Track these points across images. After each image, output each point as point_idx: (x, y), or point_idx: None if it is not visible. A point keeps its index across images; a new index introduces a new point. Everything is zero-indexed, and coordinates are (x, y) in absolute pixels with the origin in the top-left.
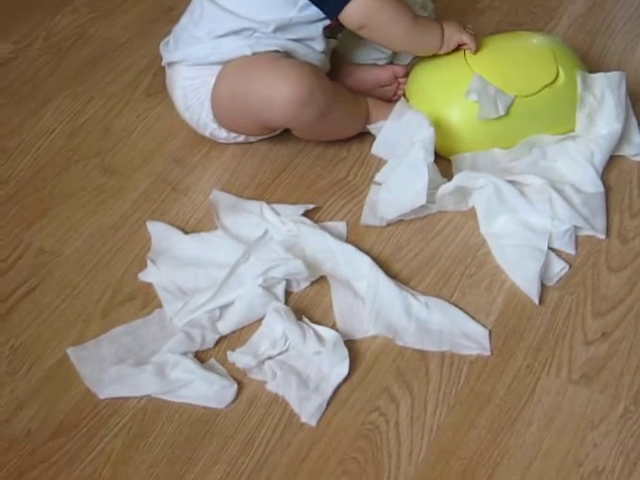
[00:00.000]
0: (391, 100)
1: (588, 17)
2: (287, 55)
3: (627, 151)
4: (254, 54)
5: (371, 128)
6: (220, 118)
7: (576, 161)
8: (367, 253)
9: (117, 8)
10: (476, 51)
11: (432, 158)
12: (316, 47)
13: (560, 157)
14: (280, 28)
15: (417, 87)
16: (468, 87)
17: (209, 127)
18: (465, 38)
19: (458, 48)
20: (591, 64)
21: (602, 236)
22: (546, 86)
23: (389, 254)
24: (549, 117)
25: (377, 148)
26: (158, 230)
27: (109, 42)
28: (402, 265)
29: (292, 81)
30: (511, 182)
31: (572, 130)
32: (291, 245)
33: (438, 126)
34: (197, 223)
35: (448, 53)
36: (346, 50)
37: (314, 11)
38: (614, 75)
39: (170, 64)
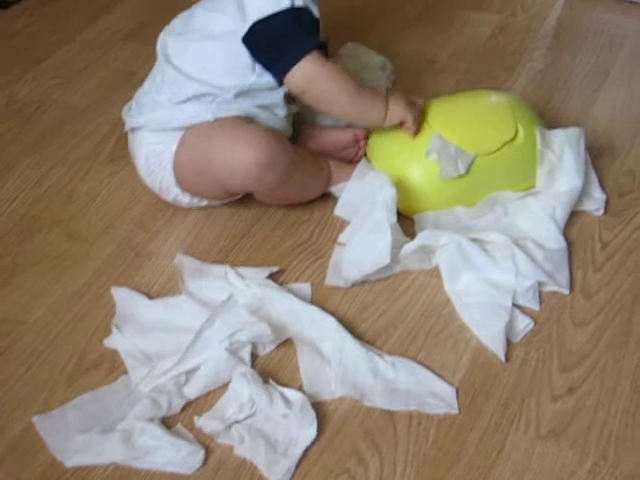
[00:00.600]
0: (353, 161)
1: (546, 74)
2: (249, 120)
3: (588, 206)
4: (216, 119)
5: (333, 190)
6: (183, 183)
7: (538, 217)
8: (332, 314)
9: (79, 75)
10: (415, 135)
11: (395, 218)
12: (278, 112)
13: (522, 214)
14: (241, 94)
15: (378, 147)
16: (428, 147)
17: (172, 192)
18: (408, 118)
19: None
20: (550, 120)
21: (566, 291)
22: (506, 143)
23: (354, 314)
24: (510, 174)
25: (340, 209)
26: (123, 296)
27: (71, 108)
28: (368, 325)
29: (254, 146)
30: (474, 240)
31: (533, 186)
32: (256, 308)
33: (400, 186)
34: (161, 288)
35: None
36: (307, 112)
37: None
38: (573, 131)
39: (133, 129)
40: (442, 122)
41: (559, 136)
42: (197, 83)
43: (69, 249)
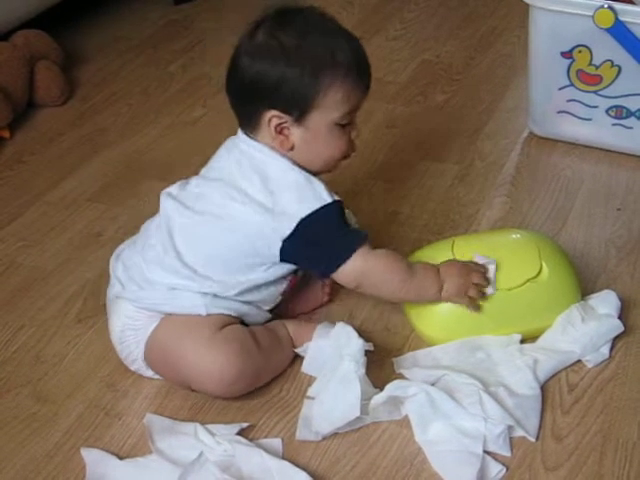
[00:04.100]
0: (321, 302)
1: (506, 220)
2: (237, 319)
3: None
4: (208, 315)
5: (299, 351)
6: (150, 363)
7: (517, 367)
8: (304, 469)
9: (45, 236)
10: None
11: (363, 370)
12: (267, 307)
13: (502, 362)
14: (243, 293)
15: None
16: None
17: (136, 364)
18: (463, 303)
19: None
20: None
21: (533, 439)
22: (529, 280)
23: (326, 468)
24: (532, 310)
25: (306, 367)
26: (93, 457)
27: (38, 270)
28: (340, 478)
29: (222, 362)
30: (443, 382)
31: (549, 326)
32: (227, 465)
33: (424, 314)
34: (132, 448)
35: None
36: None
37: (282, 269)
38: (614, 299)
39: (116, 296)
40: (468, 254)
41: (602, 305)
42: (201, 279)
43: (38, 411)
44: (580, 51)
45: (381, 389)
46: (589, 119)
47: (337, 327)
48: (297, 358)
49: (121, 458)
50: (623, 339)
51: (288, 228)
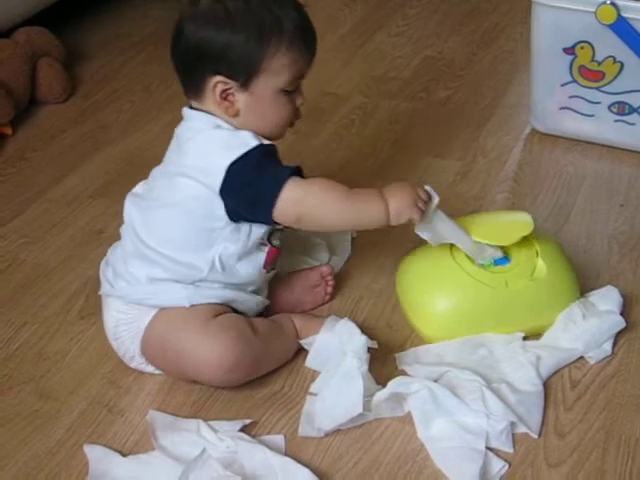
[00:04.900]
0: (323, 300)
1: None
2: (225, 307)
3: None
4: (192, 306)
5: (303, 343)
6: (149, 358)
7: (519, 363)
8: (306, 465)
9: (47, 233)
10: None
11: (366, 366)
12: (254, 289)
13: (505, 359)
14: (219, 268)
15: (404, 275)
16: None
17: (135, 361)
18: (415, 216)
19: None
20: None
21: (535, 435)
22: (523, 238)
23: (329, 464)
24: (529, 310)
25: (311, 361)
26: (95, 454)
27: (40, 267)
28: (342, 475)
29: (219, 350)
30: (445, 378)
31: (550, 324)
32: (230, 462)
33: (423, 314)
34: (134, 444)
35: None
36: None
37: (243, 235)
38: (616, 296)
39: (106, 295)
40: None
41: (604, 301)
42: (171, 264)
43: (40, 407)
44: (582, 47)
45: (383, 386)
46: (591, 115)
47: (340, 323)
48: (300, 354)
49: (124, 455)
50: (625, 335)
51: (219, 179)
